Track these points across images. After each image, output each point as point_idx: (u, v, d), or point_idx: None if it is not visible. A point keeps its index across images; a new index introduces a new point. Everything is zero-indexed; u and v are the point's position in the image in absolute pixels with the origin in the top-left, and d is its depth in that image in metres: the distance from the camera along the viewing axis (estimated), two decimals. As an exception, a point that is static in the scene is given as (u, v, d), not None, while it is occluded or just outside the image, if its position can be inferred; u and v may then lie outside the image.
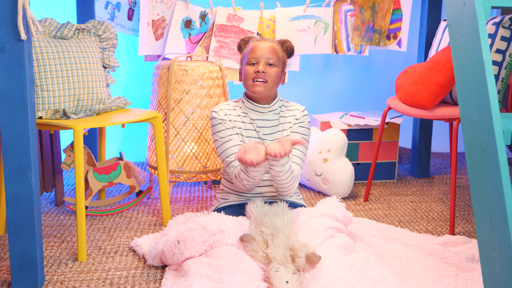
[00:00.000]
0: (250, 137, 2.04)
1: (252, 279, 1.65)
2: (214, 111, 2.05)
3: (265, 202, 1.98)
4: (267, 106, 2.06)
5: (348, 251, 1.81)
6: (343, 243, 1.82)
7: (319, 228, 1.84)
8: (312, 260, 1.67)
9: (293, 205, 2.07)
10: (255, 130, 2.06)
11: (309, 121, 2.09)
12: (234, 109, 2.07)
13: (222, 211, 2.01)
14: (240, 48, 2.12)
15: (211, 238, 1.80)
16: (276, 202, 1.97)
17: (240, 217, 1.90)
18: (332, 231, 1.86)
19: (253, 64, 2.01)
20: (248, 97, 2.07)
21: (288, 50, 2.09)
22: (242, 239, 1.77)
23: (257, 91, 1.99)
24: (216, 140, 2.04)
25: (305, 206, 2.10)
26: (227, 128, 2.02)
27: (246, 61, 2.03)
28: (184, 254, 1.80)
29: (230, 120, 2.04)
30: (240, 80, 2.09)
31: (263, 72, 1.97)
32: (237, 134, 2.03)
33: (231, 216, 1.89)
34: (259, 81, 1.99)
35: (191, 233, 1.80)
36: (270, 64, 2.00)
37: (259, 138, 2.04)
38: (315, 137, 2.73)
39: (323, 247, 1.77)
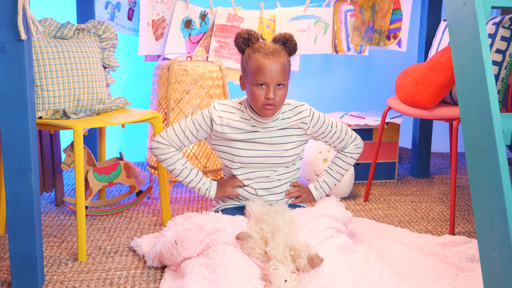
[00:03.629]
0: (249, 139, 1.99)
1: (248, 278, 1.65)
2: (214, 110, 1.97)
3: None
4: (270, 118, 1.96)
5: (348, 251, 1.81)
6: (342, 243, 1.81)
7: (318, 228, 1.84)
8: (315, 262, 1.67)
9: (292, 206, 2.07)
10: (254, 138, 1.99)
11: (317, 116, 2.01)
12: (234, 113, 1.98)
13: (221, 213, 2.01)
14: (239, 47, 1.94)
15: (208, 237, 1.79)
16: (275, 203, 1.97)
17: (237, 216, 1.90)
18: (331, 231, 1.86)
19: (261, 85, 1.87)
20: (252, 108, 1.97)
21: (292, 50, 1.93)
22: (237, 237, 1.77)
23: (267, 115, 1.91)
24: (188, 120, 1.99)
25: (304, 207, 2.10)
26: (202, 129, 1.99)
27: (253, 80, 1.87)
28: (182, 255, 1.80)
29: (217, 125, 1.97)
30: (242, 89, 1.97)
31: (273, 98, 1.86)
32: (197, 140, 2.02)
33: (228, 215, 1.88)
34: (270, 106, 1.88)
35: (188, 233, 1.80)
36: (279, 85, 1.88)
37: (261, 143, 2.00)
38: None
39: (322, 247, 1.76)
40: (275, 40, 1.93)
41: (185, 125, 2.00)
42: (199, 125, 1.99)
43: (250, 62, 1.89)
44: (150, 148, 2.03)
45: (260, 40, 1.95)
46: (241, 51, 1.95)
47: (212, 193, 2.06)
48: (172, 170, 2.03)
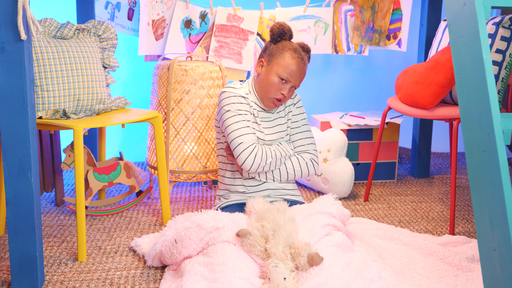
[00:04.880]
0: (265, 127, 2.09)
1: (246, 277, 1.65)
2: (240, 92, 2.04)
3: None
4: (274, 109, 2.11)
5: (345, 250, 1.81)
6: (340, 241, 1.82)
7: (316, 226, 1.84)
8: (315, 261, 1.67)
9: (293, 203, 2.07)
10: (257, 122, 2.06)
11: (301, 104, 2.16)
12: (247, 95, 2.06)
13: (223, 210, 2.02)
14: (273, 36, 2.02)
15: (208, 235, 1.80)
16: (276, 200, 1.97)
17: (237, 213, 1.90)
18: (328, 228, 1.87)
19: (282, 79, 1.98)
20: (258, 93, 2.07)
21: (308, 59, 2.08)
22: (238, 234, 1.77)
23: (270, 107, 2.06)
24: (234, 115, 2.00)
25: (301, 203, 2.10)
26: (247, 111, 2.03)
27: (278, 71, 1.98)
28: (182, 253, 1.80)
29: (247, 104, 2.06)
30: (258, 71, 2.04)
31: (286, 96, 2.02)
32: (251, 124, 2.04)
33: (227, 213, 1.89)
34: (278, 101, 2.03)
35: (187, 231, 1.81)
36: (293, 87, 2.02)
37: (259, 131, 2.05)
38: (315, 137, 2.73)
39: (320, 245, 1.77)
40: (302, 47, 2.07)
41: (239, 121, 2.00)
42: (243, 109, 2.02)
43: (284, 54, 1.99)
44: (251, 170, 1.98)
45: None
46: (273, 39, 2.03)
47: None
48: (275, 158, 2.02)
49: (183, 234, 1.81)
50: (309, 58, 2.07)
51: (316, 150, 2.13)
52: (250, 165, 1.97)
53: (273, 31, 2.02)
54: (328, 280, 1.63)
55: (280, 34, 2.02)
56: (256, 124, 2.05)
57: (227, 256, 1.71)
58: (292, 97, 2.13)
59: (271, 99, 2.02)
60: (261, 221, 1.82)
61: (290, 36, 2.04)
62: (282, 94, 1.99)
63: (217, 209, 2.08)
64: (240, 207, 2.04)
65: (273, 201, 2.02)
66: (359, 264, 1.72)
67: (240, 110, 2.01)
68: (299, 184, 2.87)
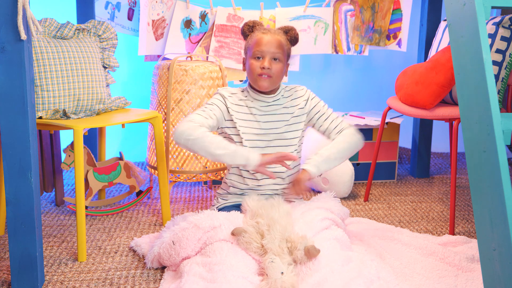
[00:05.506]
0: (244, 120, 2.01)
1: (245, 275, 1.65)
2: (222, 91, 2.05)
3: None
4: (271, 95, 2.04)
5: (344, 246, 1.81)
6: (339, 236, 1.82)
7: (314, 219, 1.84)
8: (311, 253, 1.67)
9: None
10: (253, 116, 2.03)
11: (313, 95, 2.09)
12: (236, 93, 2.06)
13: (221, 211, 2.02)
14: (244, 34, 2.07)
15: (205, 235, 1.80)
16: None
17: (233, 212, 1.90)
18: (327, 222, 1.86)
19: (258, 58, 1.97)
20: (253, 87, 2.06)
21: (293, 39, 2.05)
22: (233, 233, 1.77)
23: (262, 86, 1.99)
24: (204, 105, 2.03)
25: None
26: (217, 106, 2.00)
27: (251, 53, 2.00)
28: (180, 254, 1.80)
29: (227, 105, 2.02)
30: (244, 69, 2.07)
31: (268, 68, 1.96)
32: (214, 116, 1.98)
33: (223, 212, 1.89)
34: (264, 77, 1.97)
35: (185, 232, 1.81)
36: (275, 59, 1.97)
37: (259, 127, 2.02)
38: (315, 137, 2.73)
39: (319, 238, 1.77)
40: (278, 29, 2.06)
41: (205, 107, 2.00)
42: (215, 104, 2.01)
43: (251, 40, 2.02)
44: (176, 133, 1.89)
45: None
46: (245, 37, 2.08)
47: (254, 161, 1.89)
48: (208, 142, 1.87)
49: (180, 235, 1.81)
50: (287, 33, 2.02)
51: (347, 124, 2.07)
52: (176, 129, 1.89)
53: (242, 30, 2.07)
54: (328, 277, 1.62)
55: (249, 29, 2.05)
56: (251, 115, 2.03)
57: (224, 255, 1.71)
58: (301, 94, 2.08)
59: (257, 78, 1.98)
60: (256, 218, 1.82)
61: (261, 25, 2.06)
62: (262, 67, 1.95)
63: (214, 209, 2.08)
64: (237, 208, 2.03)
65: (268, 196, 2.02)
66: (358, 263, 1.72)
67: (212, 104, 2.01)
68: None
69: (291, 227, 1.78)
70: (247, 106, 2.04)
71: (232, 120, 2.01)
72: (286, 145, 2.04)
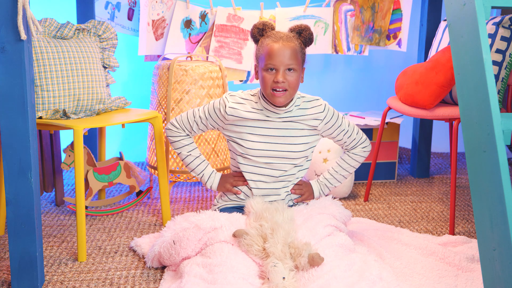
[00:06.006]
0: (260, 130, 1.96)
1: (245, 277, 1.65)
2: (227, 101, 1.96)
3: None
4: (283, 108, 1.94)
5: (347, 251, 1.80)
6: (342, 242, 1.81)
7: (317, 226, 1.83)
8: (315, 261, 1.67)
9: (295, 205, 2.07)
10: (264, 127, 1.97)
11: (331, 113, 2.00)
12: (245, 104, 1.97)
13: (218, 211, 2.01)
14: (255, 38, 1.94)
15: (206, 236, 1.79)
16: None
17: (234, 213, 1.90)
18: (330, 228, 1.86)
19: (271, 69, 1.86)
20: (265, 97, 1.96)
21: (307, 40, 1.92)
22: (234, 234, 1.77)
23: (278, 101, 1.89)
24: (201, 109, 2.03)
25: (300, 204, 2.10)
26: (212, 119, 2.01)
27: (262, 64, 1.88)
28: (180, 254, 1.80)
29: (229, 115, 1.97)
30: (257, 78, 1.97)
31: (282, 82, 1.85)
32: (206, 129, 2.05)
33: (225, 213, 1.88)
34: (279, 91, 1.86)
35: (186, 232, 1.80)
36: (289, 69, 1.86)
37: (270, 135, 1.97)
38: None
39: (322, 245, 1.76)
40: (291, 30, 1.94)
41: (198, 113, 2.04)
42: (209, 115, 2.01)
43: (262, 48, 1.90)
44: (165, 129, 2.10)
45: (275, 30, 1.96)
46: (256, 41, 1.95)
47: (215, 185, 2.08)
48: (179, 154, 2.09)
49: (181, 235, 1.81)
50: (301, 34, 1.91)
51: (361, 137, 2.09)
52: (167, 126, 2.08)
53: (252, 33, 1.95)
54: (331, 282, 1.61)
55: (259, 32, 1.93)
56: (259, 121, 1.95)
57: (225, 256, 1.71)
58: (319, 111, 1.97)
59: (271, 94, 1.88)
60: (260, 220, 1.81)
61: (271, 28, 1.93)
62: (276, 82, 1.85)
63: (216, 210, 2.08)
64: (238, 209, 2.03)
65: (272, 201, 2.01)
66: (360, 265, 1.71)
67: (208, 112, 2.00)
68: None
69: (294, 233, 1.77)
70: (257, 113, 1.96)
71: (236, 125, 1.97)
72: (291, 157, 1.99)
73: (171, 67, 2.43)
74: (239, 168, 2.03)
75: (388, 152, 2.90)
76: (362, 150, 2.11)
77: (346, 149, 2.13)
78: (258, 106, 1.96)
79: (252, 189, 2.01)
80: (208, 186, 2.09)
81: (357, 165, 2.13)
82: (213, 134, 2.51)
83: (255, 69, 1.97)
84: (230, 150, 2.06)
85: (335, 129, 2.03)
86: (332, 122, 2.01)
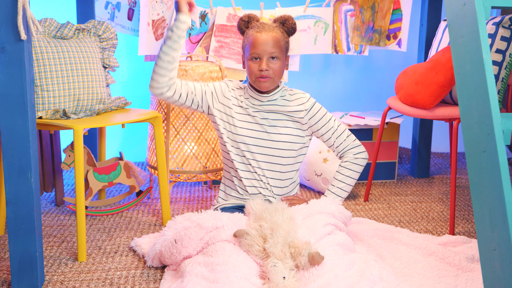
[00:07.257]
0: (242, 121, 2.03)
1: (247, 276, 1.65)
2: (226, 83, 2.08)
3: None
4: (266, 95, 2.02)
5: (347, 250, 1.81)
6: (342, 241, 1.81)
7: (317, 225, 1.84)
8: (316, 260, 1.67)
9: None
10: (250, 115, 2.03)
11: (318, 107, 2.04)
12: (239, 89, 2.08)
13: (220, 211, 2.02)
14: (241, 30, 2.05)
15: (207, 235, 1.79)
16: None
17: (236, 213, 1.90)
18: (330, 227, 1.86)
19: (255, 59, 1.96)
20: (251, 85, 2.05)
21: (290, 30, 2.01)
22: (235, 234, 1.77)
23: (263, 87, 1.98)
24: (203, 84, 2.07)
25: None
26: (210, 90, 2.05)
27: (248, 54, 1.98)
28: (181, 253, 1.80)
29: (224, 95, 2.05)
30: (244, 68, 2.06)
31: (266, 70, 1.95)
32: (201, 96, 2.03)
33: (227, 213, 1.88)
34: (263, 78, 1.96)
35: (187, 231, 1.80)
36: (272, 58, 1.95)
37: (256, 122, 2.03)
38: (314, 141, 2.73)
39: (322, 244, 1.76)
40: (274, 21, 2.04)
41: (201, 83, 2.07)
42: (208, 85, 2.05)
43: (246, 39, 2.00)
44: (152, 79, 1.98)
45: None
46: (242, 33, 2.06)
47: (175, 17, 2.02)
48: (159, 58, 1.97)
49: (182, 234, 1.81)
50: (284, 24, 2.00)
51: (354, 140, 2.08)
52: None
53: (238, 25, 2.05)
54: (331, 282, 1.61)
55: (244, 24, 2.03)
56: (244, 109, 2.04)
57: (227, 255, 1.71)
58: (303, 102, 2.03)
59: (256, 81, 1.97)
60: (259, 221, 1.82)
61: (256, 20, 2.03)
62: (260, 70, 1.94)
63: (217, 210, 2.08)
64: (238, 209, 2.03)
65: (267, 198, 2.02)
66: (361, 265, 1.71)
67: (207, 84, 2.06)
68: (300, 185, 2.87)
69: (294, 233, 1.77)
70: (243, 102, 2.05)
71: (226, 106, 2.04)
72: (277, 148, 2.03)
73: (171, 67, 2.43)
74: (232, 167, 2.06)
75: (388, 152, 2.90)
76: (354, 157, 2.08)
77: (338, 155, 2.12)
78: (246, 95, 2.05)
79: (246, 187, 2.05)
80: (172, 23, 2.02)
81: (354, 174, 2.07)
82: (213, 134, 2.51)
83: (242, 59, 2.07)
84: (221, 146, 2.09)
85: (322, 125, 2.04)
86: (319, 117, 2.04)
